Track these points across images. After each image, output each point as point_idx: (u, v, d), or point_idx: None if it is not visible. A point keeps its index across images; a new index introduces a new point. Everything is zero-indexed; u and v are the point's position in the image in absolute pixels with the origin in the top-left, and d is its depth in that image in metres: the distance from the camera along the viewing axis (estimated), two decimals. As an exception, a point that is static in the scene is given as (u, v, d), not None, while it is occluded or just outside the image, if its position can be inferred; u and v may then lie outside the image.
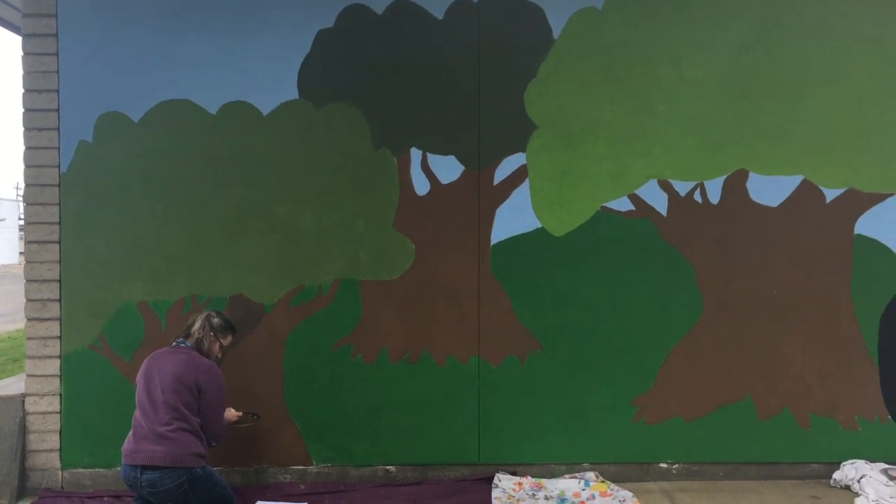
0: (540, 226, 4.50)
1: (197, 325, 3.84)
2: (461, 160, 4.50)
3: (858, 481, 4.29)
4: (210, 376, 3.69)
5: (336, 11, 4.46)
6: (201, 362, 3.71)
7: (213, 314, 3.90)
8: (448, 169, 4.50)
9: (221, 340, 3.90)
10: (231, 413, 4.03)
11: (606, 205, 4.52)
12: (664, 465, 4.56)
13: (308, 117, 4.45)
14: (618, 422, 4.54)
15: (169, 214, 4.44)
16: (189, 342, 3.81)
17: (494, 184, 4.51)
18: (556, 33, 4.50)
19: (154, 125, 4.42)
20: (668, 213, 4.53)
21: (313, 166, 4.46)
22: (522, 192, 4.51)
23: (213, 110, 4.43)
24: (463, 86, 4.50)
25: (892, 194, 4.54)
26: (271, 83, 4.43)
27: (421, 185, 4.49)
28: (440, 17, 4.49)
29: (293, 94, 4.44)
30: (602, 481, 4.40)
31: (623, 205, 4.52)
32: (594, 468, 4.53)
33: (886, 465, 4.42)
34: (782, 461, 4.56)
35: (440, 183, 4.50)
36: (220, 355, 3.96)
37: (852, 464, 4.43)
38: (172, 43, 4.42)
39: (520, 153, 4.50)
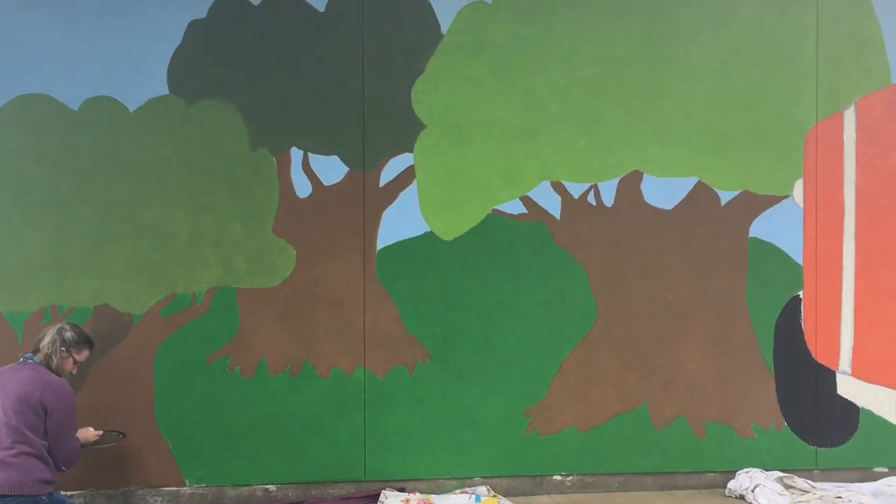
0: (428, 229, 4.31)
1: (46, 340, 3.54)
2: (345, 161, 4.27)
3: (752, 491, 4.19)
4: (58, 395, 3.40)
5: (210, 1, 4.19)
6: (49, 380, 3.41)
7: (66, 327, 3.60)
8: (331, 170, 4.26)
9: (75, 356, 3.60)
10: (90, 433, 3.73)
11: (498, 207, 4.34)
12: (558, 478, 4.39)
13: (179, 114, 4.17)
14: (510, 433, 4.36)
15: (26, 218, 4.10)
16: (38, 358, 3.51)
17: (380, 185, 4.29)
18: (444, 28, 4.31)
19: (9, 122, 4.08)
20: (561, 215, 4.37)
21: (185, 167, 4.18)
22: (410, 195, 4.30)
23: (74, 106, 4.12)
24: (346, 82, 4.27)
25: (786, 197, 4.46)
26: (138, 77, 4.14)
27: (302, 187, 4.25)
28: (321, 9, 4.25)
29: (162, 89, 4.16)
30: (493, 496, 4.21)
31: (515, 207, 4.35)
32: (486, 482, 4.34)
33: (782, 473, 4.34)
34: (678, 471, 4.44)
35: (323, 185, 4.26)
36: (74, 371, 3.66)
37: (747, 472, 4.33)
38: (28, 32, 4.09)
39: (407, 153, 4.30)
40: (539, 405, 4.37)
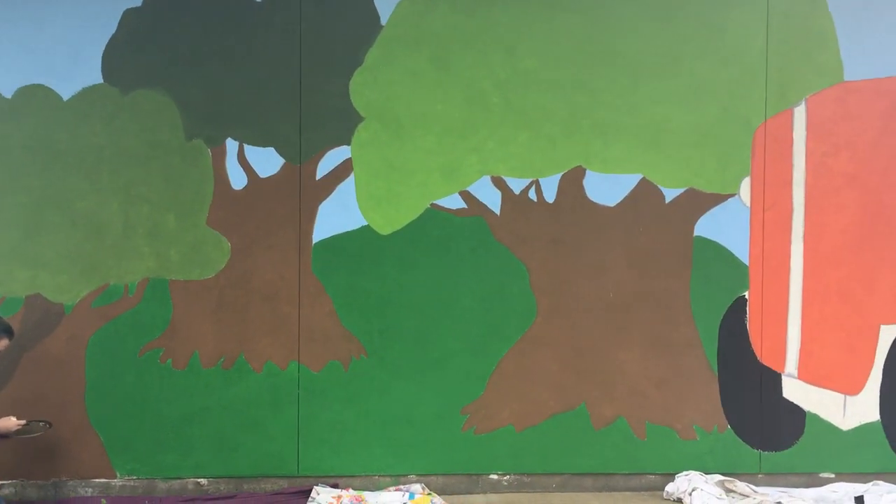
0: (366, 223, 4.25)
1: (-37, 328, 3.54)
2: (281, 153, 4.22)
3: (690, 494, 4.11)
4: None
5: (145, -10, 4.16)
6: (-35, 368, 3.40)
7: (-15, 316, 3.59)
8: (267, 162, 4.22)
9: (-7, 344, 3.59)
10: (11, 422, 3.69)
11: (437, 202, 4.28)
12: (495, 477, 4.33)
13: (113, 103, 4.14)
14: (446, 431, 4.30)
15: (-41, 207, 4.09)
16: (-43, 346, 3.50)
17: (317, 178, 4.24)
18: (383, 19, 4.24)
19: (-59, 109, 4.07)
20: (501, 211, 4.30)
21: (119, 157, 4.15)
22: (347, 188, 4.25)
23: (7, 94, 4.11)
24: (283, 73, 4.21)
25: (732, 195, 4.36)
26: (73, 66, 4.12)
27: (237, 179, 4.21)
28: (259, -1, 4.21)
29: (97, 78, 4.13)
30: (428, 494, 4.16)
31: (454, 202, 4.29)
32: (421, 480, 4.29)
33: (723, 477, 4.25)
34: (617, 472, 4.37)
35: (258, 177, 4.22)
36: (-6, 360, 3.64)
37: (686, 475, 4.25)
38: (-39, 20, 4.07)
39: (344, 146, 4.24)
40: (476, 403, 4.31)
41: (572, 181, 4.32)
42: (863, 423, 4.40)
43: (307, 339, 4.24)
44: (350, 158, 4.24)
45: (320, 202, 4.24)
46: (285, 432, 4.24)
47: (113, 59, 4.13)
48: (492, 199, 4.30)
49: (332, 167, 4.24)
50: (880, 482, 4.31)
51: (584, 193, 4.33)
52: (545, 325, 4.32)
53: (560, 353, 4.33)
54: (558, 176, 4.32)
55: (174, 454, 4.19)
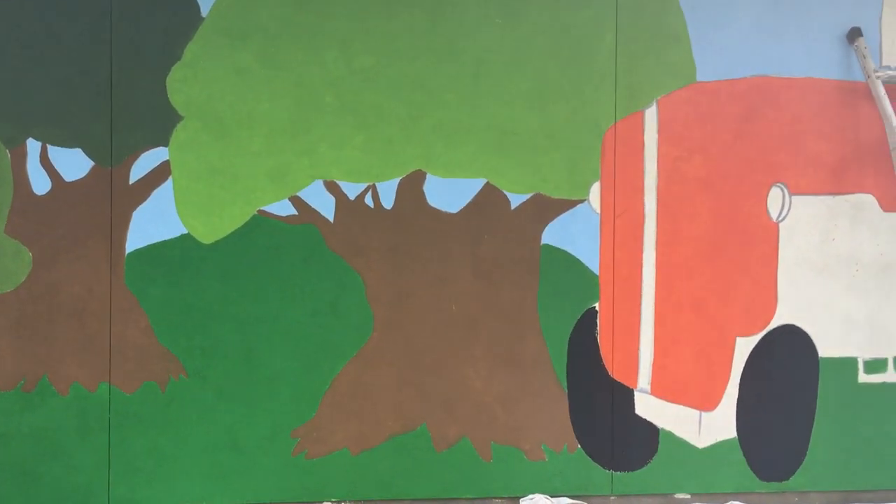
0: (185, 231, 3.92)
1: None
2: (90, 154, 3.86)
3: (533, 519, 3.87)
4: None
5: (-68, -26, 3.77)
6: None
7: None
8: (74, 164, 3.85)
9: None
10: None
11: (264, 208, 3.96)
12: (328, 505, 4.04)
13: None
14: (275, 456, 3.98)
15: None
16: None
17: (131, 182, 3.89)
18: (204, 10, 3.92)
19: None
20: (335, 218, 4.01)
21: None
22: (165, 193, 3.91)
23: None
24: (92, 68, 3.86)
25: (581, 201, 4.14)
26: None
27: (40, 183, 3.84)
28: (63, -15, 3.85)
29: None
30: (253, 525, 3.84)
31: (284, 208, 3.98)
32: (247, 510, 3.97)
33: (571, 500, 4.02)
34: (461, 497, 4.09)
35: (64, 180, 3.85)
36: None
37: (531, 499, 4.00)
38: None
39: (161, 147, 3.90)
40: (308, 425, 4.00)
41: (412, 186, 4.05)
42: (719, 440, 4.22)
43: (119, 358, 3.88)
44: (167, 161, 3.90)
45: (134, 208, 3.89)
46: (94, 461, 3.87)
47: None
48: (325, 206, 4.00)
49: (148, 170, 3.90)
50: (737, 502, 4.13)
51: (425, 199, 4.06)
52: (383, 340, 4.04)
53: (399, 370, 4.05)
54: (397, 180, 4.04)
55: (-33, 488, 3.80)
